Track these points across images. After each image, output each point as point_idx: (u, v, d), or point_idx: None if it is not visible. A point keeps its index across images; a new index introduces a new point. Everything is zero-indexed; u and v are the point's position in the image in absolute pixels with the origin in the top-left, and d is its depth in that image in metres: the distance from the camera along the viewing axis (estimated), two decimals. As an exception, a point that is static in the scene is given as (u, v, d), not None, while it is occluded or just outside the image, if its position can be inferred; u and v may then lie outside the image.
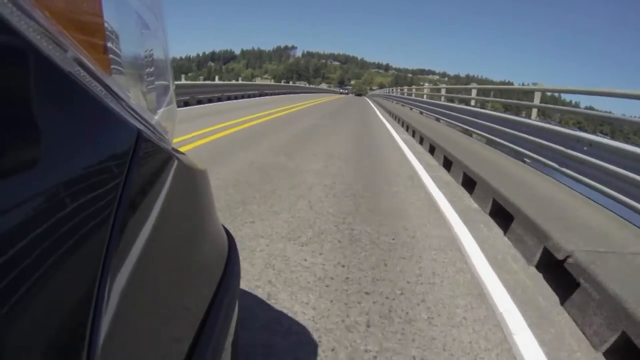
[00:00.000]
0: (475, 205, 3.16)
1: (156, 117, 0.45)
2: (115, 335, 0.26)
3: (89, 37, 0.30)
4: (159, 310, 0.35)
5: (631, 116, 3.23)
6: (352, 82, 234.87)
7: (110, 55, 0.33)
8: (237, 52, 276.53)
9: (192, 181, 0.48)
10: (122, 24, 0.37)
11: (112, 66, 0.33)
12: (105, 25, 0.32)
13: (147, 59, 0.45)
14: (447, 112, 8.55)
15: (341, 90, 71.10)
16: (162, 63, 0.51)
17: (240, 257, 0.64)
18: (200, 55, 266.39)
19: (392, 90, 32.22)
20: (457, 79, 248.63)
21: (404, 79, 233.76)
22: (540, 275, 2.05)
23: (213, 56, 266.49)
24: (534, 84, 5.68)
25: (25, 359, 0.19)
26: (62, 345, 0.22)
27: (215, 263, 0.54)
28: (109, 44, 0.33)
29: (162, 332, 0.36)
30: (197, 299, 0.46)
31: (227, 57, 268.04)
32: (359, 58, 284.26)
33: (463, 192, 3.53)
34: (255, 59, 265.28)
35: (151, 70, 0.46)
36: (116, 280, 0.27)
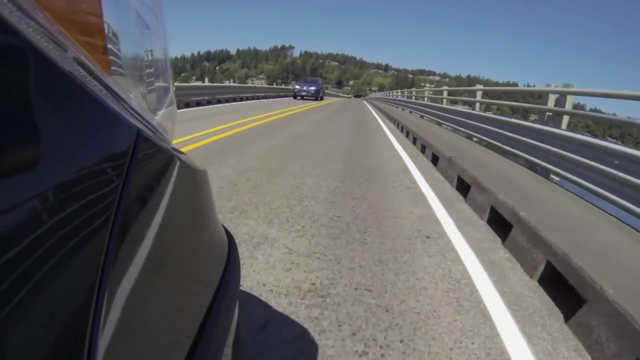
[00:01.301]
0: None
1: (156, 117, 0.45)
2: (115, 336, 0.26)
3: (89, 37, 0.30)
4: (159, 311, 0.35)
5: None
6: (351, 82, 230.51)
7: (110, 56, 0.33)
8: (233, 52, 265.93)
9: (193, 181, 0.48)
10: (122, 24, 0.37)
11: (112, 67, 0.33)
12: (105, 25, 0.32)
13: (147, 59, 0.45)
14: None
15: (298, 88, 22.83)
16: (162, 63, 0.51)
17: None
18: (195, 55, 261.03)
19: (391, 93, 29.06)
20: (458, 79, 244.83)
21: (404, 79, 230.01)
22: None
23: (208, 56, 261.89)
24: (547, 85, 4.60)
25: None
26: (63, 346, 0.22)
27: (215, 263, 0.54)
28: (109, 45, 0.33)
29: (162, 332, 0.36)
30: (197, 299, 0.46)
31: (222, 57, 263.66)
32: (357, 58, 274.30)
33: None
34: (251, 59, 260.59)
35: (151, 70, 0.46)
36: (116, 280, 0.27)
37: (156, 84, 0.48)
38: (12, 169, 0.20)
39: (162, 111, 0.49)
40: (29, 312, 0.19)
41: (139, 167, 0.32)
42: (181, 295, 0.41)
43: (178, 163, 0.42)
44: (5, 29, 0.20)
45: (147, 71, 0.44)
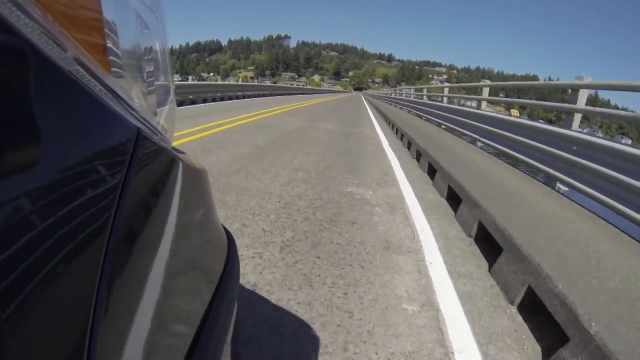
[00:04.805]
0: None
1: (156, 117, 0.45)
2: (115, 335, 0.26)
3: (88, 37, 0.30)
4: (159, 310, 0.35)
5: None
6: (351, 73, 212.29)
7: (110, 56, 0.33)
8: (225, 43, 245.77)
9: (192, 181, 0.48)
10: (122, 24, 0.37)
11: (112, 68, 0.33)
12: (105, 25, 0.32)
13: (147, 59, 0.45)
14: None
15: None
16: (162, 63, 0.51)
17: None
18: (184, 46, 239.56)
19: (400, 91, 19.90)
20: (467, 72, 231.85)
21: (411, 70, 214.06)
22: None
23: (198, 47, 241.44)
24: (577, 77, 3.52)
25: None
26: (62, 346, 0.22)
27: (215, 263, 0.54)
28: (109, 44, 0.33)
29: (162, 332, 0.36)
30: (197, 299, 0.46)
31: (213, 49, 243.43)
32: (359, 48, 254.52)
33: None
34: (242, 50, 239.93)
35: (151, 70, 0.46)
36: (116, 279, 0.27)
37: (156, 84, 0.47)
38: (12, 169, 0.20)
39: (161, 110, 0.49)
40: (28, 313, 0.19)
41: (139, 166, 0.32)
42: (181, 294, 0.41)
43: (178, 163, 0.42)
44: (5, 29, 0.20)
45: (147, 71, 0.44)
